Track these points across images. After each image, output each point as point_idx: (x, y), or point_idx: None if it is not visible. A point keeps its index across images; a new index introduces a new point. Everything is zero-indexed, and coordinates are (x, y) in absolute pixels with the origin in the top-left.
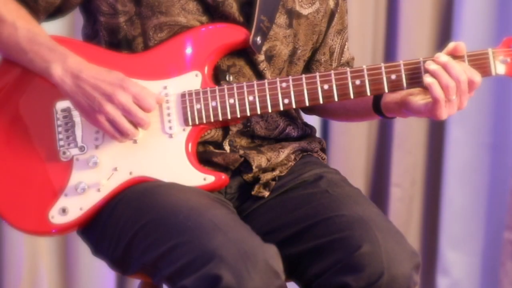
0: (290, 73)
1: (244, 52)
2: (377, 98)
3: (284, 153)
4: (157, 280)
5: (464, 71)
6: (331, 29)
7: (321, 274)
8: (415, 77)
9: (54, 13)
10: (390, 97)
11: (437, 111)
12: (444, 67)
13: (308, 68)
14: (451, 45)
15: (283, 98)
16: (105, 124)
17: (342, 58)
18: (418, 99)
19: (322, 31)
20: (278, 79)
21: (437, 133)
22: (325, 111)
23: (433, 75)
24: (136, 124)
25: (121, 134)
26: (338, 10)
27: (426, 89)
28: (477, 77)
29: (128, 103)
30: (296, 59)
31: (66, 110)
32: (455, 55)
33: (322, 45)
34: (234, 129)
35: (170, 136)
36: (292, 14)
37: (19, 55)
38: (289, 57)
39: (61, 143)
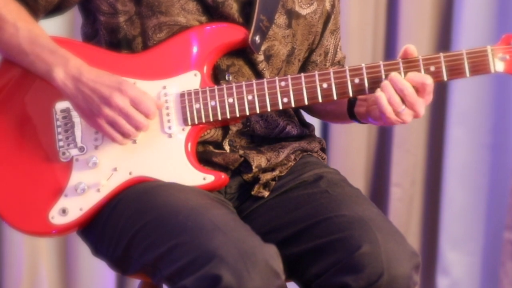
0: (287, 72)
1: (243, 52)
2: (351, 104)
3: (284, 153)
4: (157, 280)
5: (411, 80)
6: (327, 31)
7: (321, 274)
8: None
9: (52, 11)
10: (360, 105)
11: (387, 120)
12: (390, 81)
13: (304, 69)
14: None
15: (282, 97)
16: (105, 127)
17: (335, 58)
18: (375, 107)
19: (318, 32)
20: (277, 78)
21: (437, 133)
22: (312, 111)
23: (382, 89)
24: (134, 127)
25: (122, 135)
26: (334, 12)
27: None
28: (428, 80)
29: (125, 106)
30: (293, 58)
31: (66, 111)
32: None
33: (319, 47)
34: (234, 128)
35: (170, 136)
36: (292, 15)
37: (20, 56)
38: (287, 57)
39: (61, 143)
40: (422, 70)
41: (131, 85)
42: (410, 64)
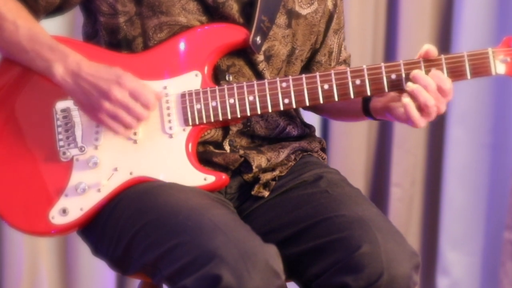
0: (288, 73)
1: (243, 52)
2: (366, 100)
3: (284, 153)
4: (157, 280)
5: (433, 78)
6: (330, 30)
7: (321, 274)
8: None
9: (53, 11)
10: (377, 100)
11: (413, 124)
12: (413, 79)
13: (308, 69)
14: (423, 49)
15: (283, 98)
16: (106, 120)
17: (340, 57)
18: (399, 105)
19: (320, 31)
20: (278, 79)
21: (437, 133)
22: (320, 109)
23: (412, 95)
24: (135, 118)
25: (125, 126)
26: (337, 11)
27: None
28: (447, 83)
29: (124, 99)
30: (294, 59)
31: (66, 110)
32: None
33: (323, 47)
34: (234, 129)
35: (170, 136)
36: (292, 14)
37: (20, 54)
38: (287, 57)
39: (61, 143)
40: (424, 72)
41: (130, 77)
42: (412, 66)
